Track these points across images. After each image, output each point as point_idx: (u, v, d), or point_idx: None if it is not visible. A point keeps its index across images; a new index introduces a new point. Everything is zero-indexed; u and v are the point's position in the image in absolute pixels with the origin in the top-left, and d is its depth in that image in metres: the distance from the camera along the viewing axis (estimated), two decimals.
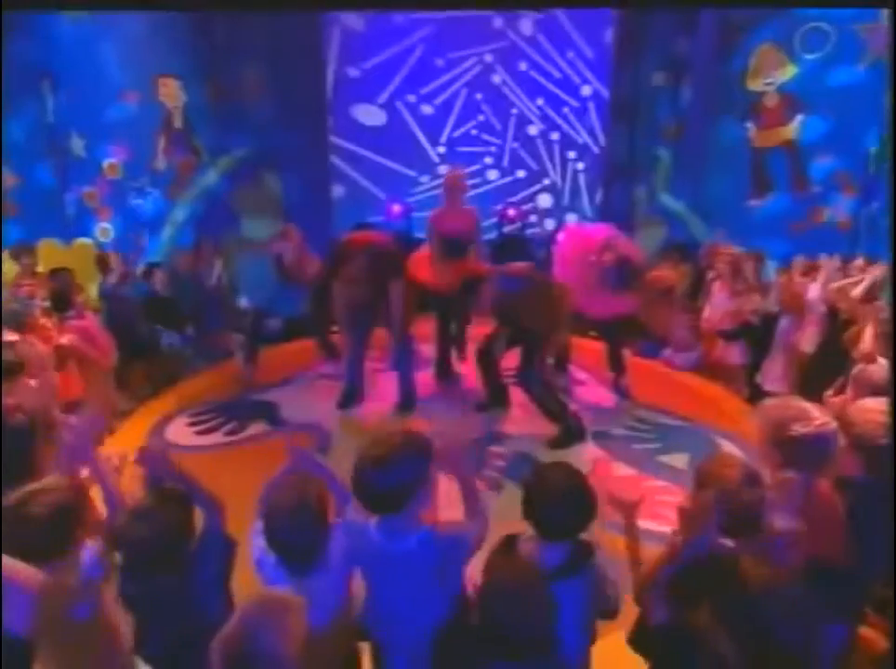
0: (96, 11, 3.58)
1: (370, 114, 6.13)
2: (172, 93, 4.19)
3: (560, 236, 3.28)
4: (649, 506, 2.24)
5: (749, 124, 4.28)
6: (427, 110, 6.23)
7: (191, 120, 4.33)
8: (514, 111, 6.35)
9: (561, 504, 1.21)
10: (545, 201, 6.64)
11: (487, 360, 3.15)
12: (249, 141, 4.75)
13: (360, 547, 1.25)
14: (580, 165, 6.56)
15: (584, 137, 6.49)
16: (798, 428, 1.21)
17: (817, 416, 1.22)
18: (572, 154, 6.54)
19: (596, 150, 6.48)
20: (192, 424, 3.13)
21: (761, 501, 1.14)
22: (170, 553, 1.17)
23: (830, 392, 2.27)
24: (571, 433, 2.89)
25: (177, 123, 4.26)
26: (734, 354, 3.53)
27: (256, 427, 3.07)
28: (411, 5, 4.88)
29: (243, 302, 4.14)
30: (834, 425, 1.22)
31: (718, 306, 3.63)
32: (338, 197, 6.15)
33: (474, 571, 1.23)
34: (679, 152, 5.02)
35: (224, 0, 3.24)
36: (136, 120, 3.95)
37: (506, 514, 2.07)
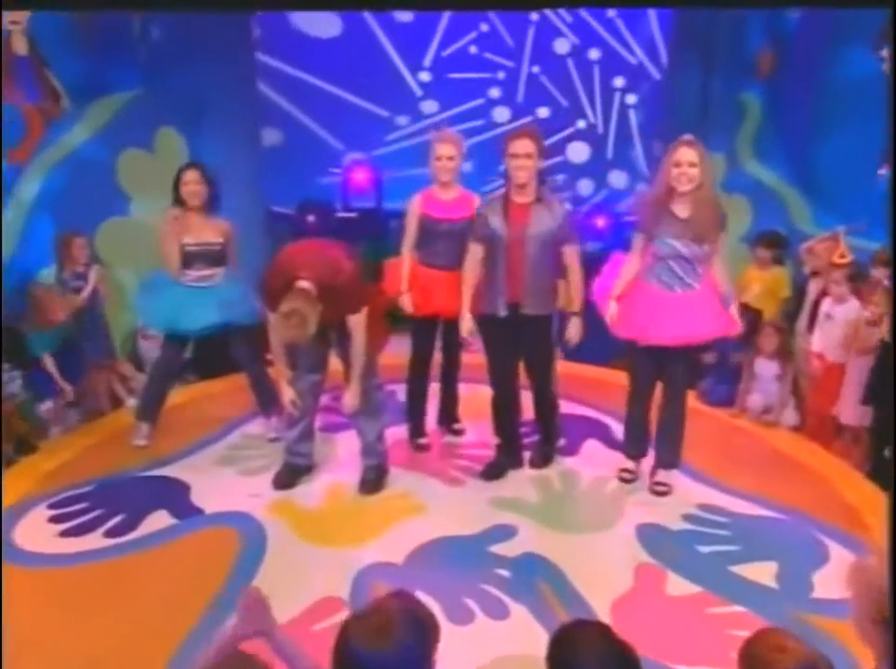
0: (96, 11, 3.95)
1: (318, 22, 6.12)
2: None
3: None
4: (716, 645, 2.39)
5: (885, 53, 4.31)
6: (403, 16, 6.26)
7: (42, 45, 4.25)
8: (533, 17, 6.41)
9: None
10: (578, 152, 6.72)
11: (508, 405, 3.41)
12: (136, 77, 4.71)
13: None
14: (631, 98, 6.64)
15: (638, 56, 6.57)
16: None
17: None
18: (619, 82, 6.62)
19: (656, 74, 6.57)
20: (56, 518, 3.15)
21: None
22: None
23: None
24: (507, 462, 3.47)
25: (20, 48, 4.20)
26: (852, 407, 3.63)
27: (154, 522, 3.11)
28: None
29: (137, 325, 4.22)
30: None
31: (829, 336, 3.74)
32: (272, 146, 6.18)
33: None
34: (776, 96, 5.07)
35: None
36: None
37: (511, 647, 2.21)
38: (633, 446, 3.47)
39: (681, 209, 3.05)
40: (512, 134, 3.10)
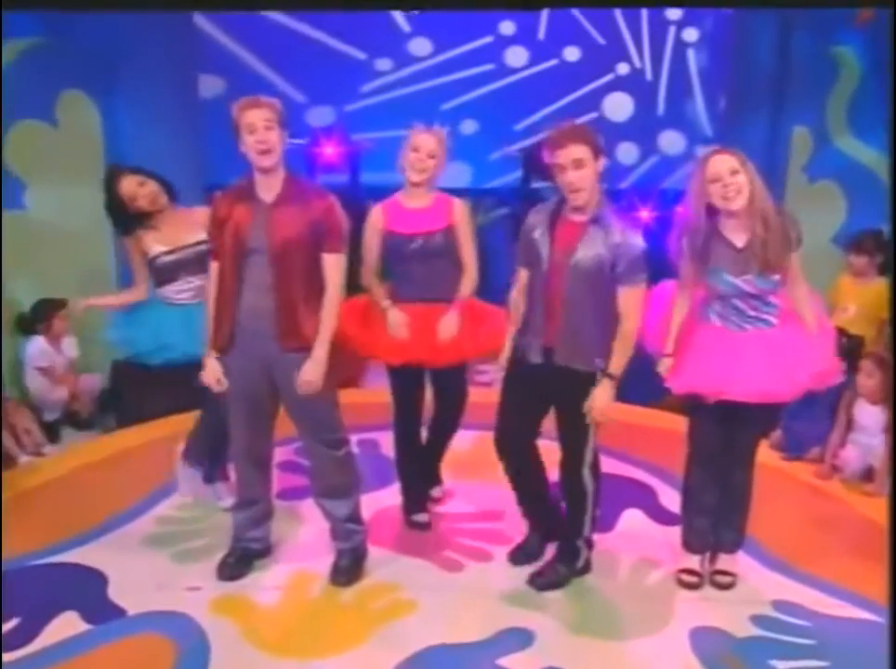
0: (96, 11, 4.27)
1: None
2: None
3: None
4: None
5: None
6: None
7: None
8: None
9: None
10: (618, 106, 6.77)
11: (533, 462, 3.40)
12: (32, 20, 4.70)
13: None
14: (691, 34, 6.62)
15: None
16: None
17: None
18: (674, 13, 6.60)
19: None
20: None
21: None
22: None
23: None
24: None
25: None
26: None
27: (59, 628, 3.11)
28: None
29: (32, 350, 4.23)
30: None
31: None
32: (212, 98, 6.19)
33: None
34: (879, 51, 4.96)
35: None
36: None
37: None
38: (696, 535, 3.44)
39: (736, 235, 3.07)
40: (553, 141, 3.00)
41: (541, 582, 3.36)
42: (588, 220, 3.02)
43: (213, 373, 3.17)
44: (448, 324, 3.49)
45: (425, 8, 5.87)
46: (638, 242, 3.03)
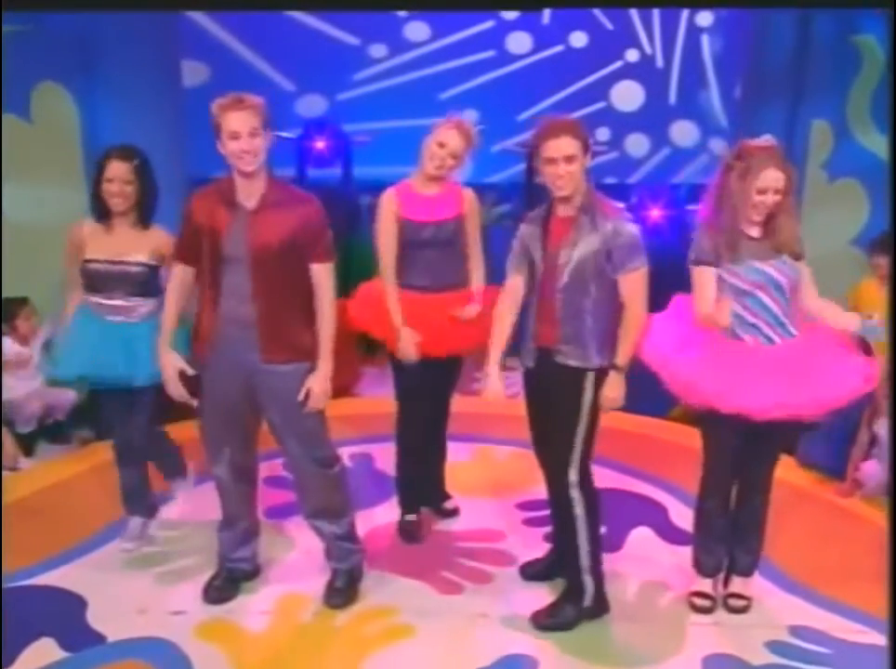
0: (96, 11, 4.46)
1: None
2: None
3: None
4: None
5: None
6: None
7: None
8: None
9: None
10: (627, 95, 6.78)
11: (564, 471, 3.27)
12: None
13: None
14: (705, 19, 6.64)
15: None
16: None
17: None
18: None
19: None
20: None
21: None
22: None
23: None
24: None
25: None
26: None
27: (35, 656, 3.09)
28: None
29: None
30: None
31: None
32: (196, 86, 6.19)
33: None
34: None
35: None
36: None
37: None
38: (708, 557, 3.45)
39: (753, 229, 3.14)
40: (545, 131, 3.03)
41: (544, 623, 3.30)
42: (576, 214, 3.06)
43: (177, 390, 3.21)
44: (469, 312, 3.61)
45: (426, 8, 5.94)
46: (630, 228, 3.08)
